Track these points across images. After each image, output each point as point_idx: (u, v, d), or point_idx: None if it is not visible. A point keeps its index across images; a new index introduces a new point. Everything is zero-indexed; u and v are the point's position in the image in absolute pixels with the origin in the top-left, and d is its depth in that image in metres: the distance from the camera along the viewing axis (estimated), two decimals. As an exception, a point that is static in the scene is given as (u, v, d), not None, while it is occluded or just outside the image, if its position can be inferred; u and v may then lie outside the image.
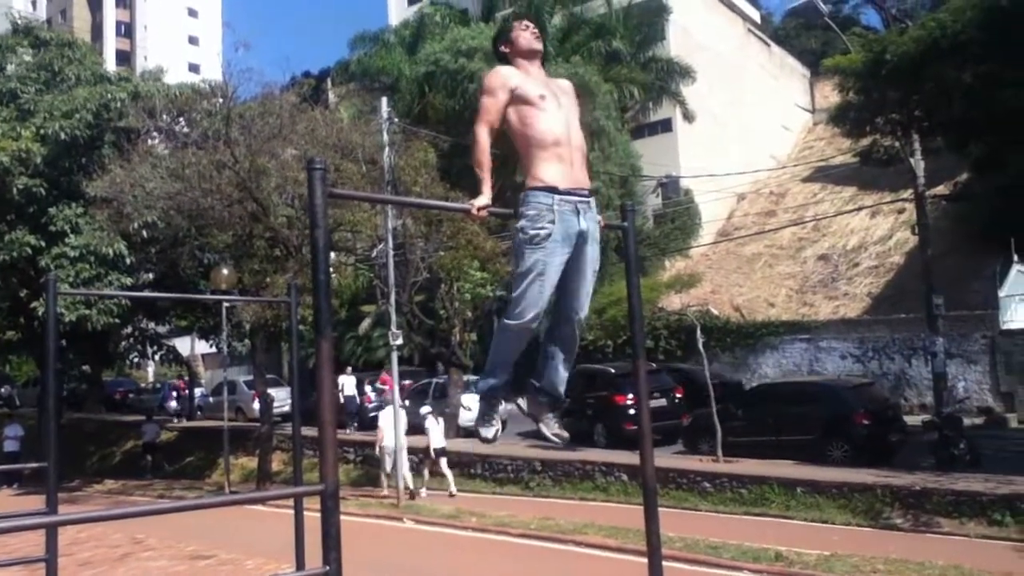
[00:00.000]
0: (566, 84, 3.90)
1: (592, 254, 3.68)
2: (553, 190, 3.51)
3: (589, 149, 21.69)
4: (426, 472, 17.53)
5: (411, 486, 16.83)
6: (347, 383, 24.11)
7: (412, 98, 29.01)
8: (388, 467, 17.14)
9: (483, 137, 3.60)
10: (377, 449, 17.65)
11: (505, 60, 3.84)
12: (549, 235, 3.48)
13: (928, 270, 19.68)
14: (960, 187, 27.08)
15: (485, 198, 3.49)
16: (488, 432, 3.84)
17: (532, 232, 3.48)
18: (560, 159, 3.56)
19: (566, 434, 3.94)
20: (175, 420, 30.11)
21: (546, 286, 3.52)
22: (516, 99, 3.63)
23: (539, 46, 3.82)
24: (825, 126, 39.06)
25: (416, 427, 19.05)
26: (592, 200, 3.68)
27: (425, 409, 18.25)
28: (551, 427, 3.90)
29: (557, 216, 3.49)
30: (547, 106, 3.61)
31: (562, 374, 3.85)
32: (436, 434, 17.03)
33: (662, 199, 35.43)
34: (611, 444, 18.35)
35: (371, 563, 9.94)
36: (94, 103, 22.07)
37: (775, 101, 43.81)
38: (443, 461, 17.02)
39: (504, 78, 3.67)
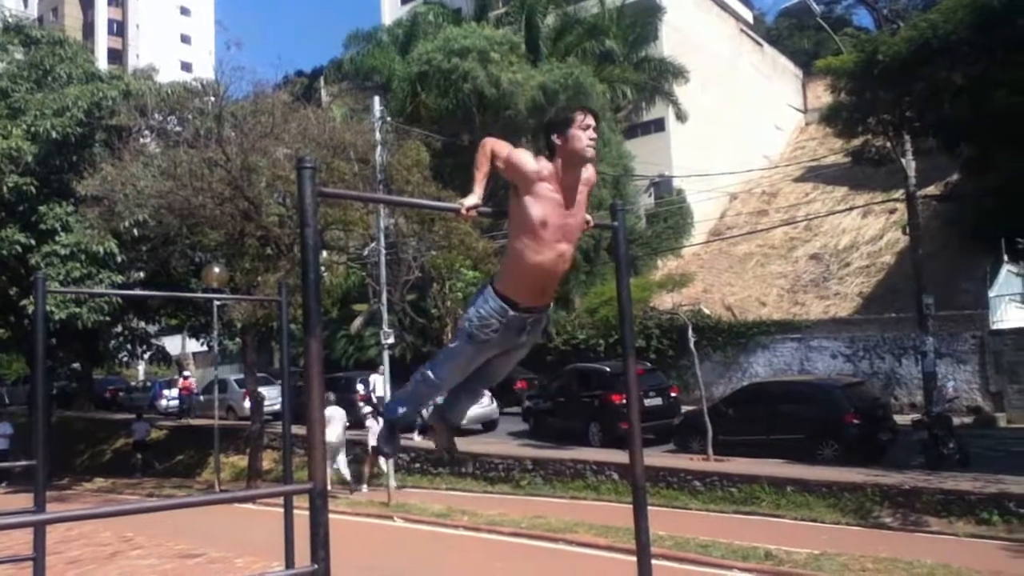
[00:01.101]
0: (586, 177, 3.69)
1: (520, 353, 3.88)
2: (512, 305, 3.58)
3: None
4: (366, 469, 18.21)
5: (348, 479, 17.69)
6: (379, 383, 22.03)
7: (405, 97, 29.01)
8: (338, 463, 17.68)
9: (486, 152, 3.55)
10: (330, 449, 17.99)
11: (552, 150, 3.59)
12: (486, 341, 3.62)
13: (919, 270, 19.76)
14: (951, 188, 27.21)
15: (475, 198, 3.52)
16: (391, 449, 4.21)
17: (474, 331, 3.61)
18: (532, 285, 3.60)
19: (455, 454, 4.37)
20: (180, 420, 29.68)
21: (469, 368, 3.78)
22: (522, 199, 3.49)
23: (592, 154, 3.58)
24: (817, 126, 39.22)
25: (409, 425, 18.97)
26: (543, 315, 3.76)
27: (366, 409, 19.52)
28: (441, 442, 4.25)
29: (503, 328, 3.60)
30: (546, 236, 3.50)
31: (463, 412, 4.22)
32: (375, 433, 17.22)
33: (654, 198, 35.51)
34: (606, 443, 18.35)
35: (361, 562, 9.95)
36: (85, 101, 21.98)
37: (767, 101, 43.94)
38: (381, 460, 17.35)
39: (527, 171, 3.48)
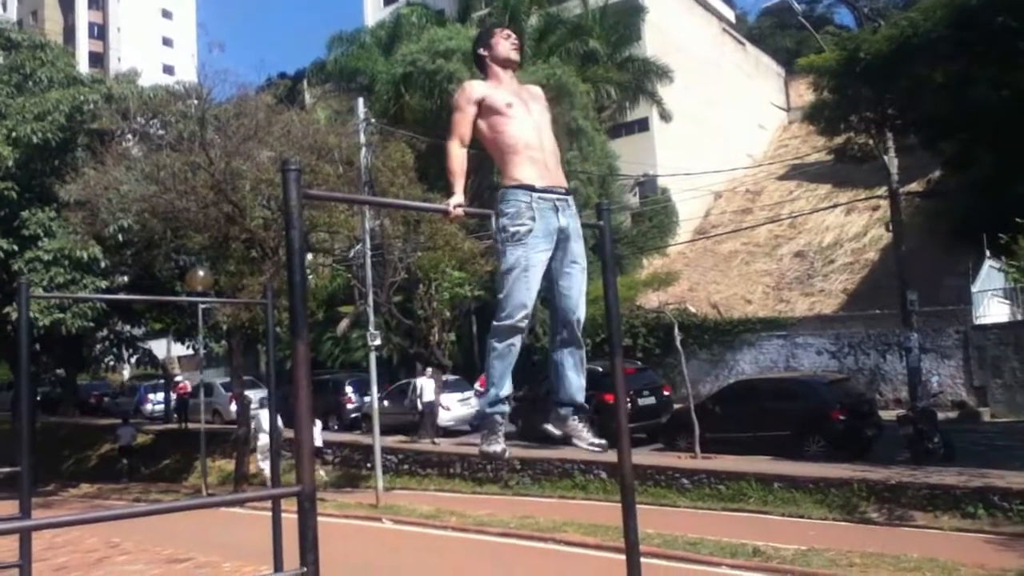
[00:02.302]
0: (536, 90, 3.94)
1: (577, 250, 3.68)
2: (531, 188, 3.55)
3: (567, 149, 21.68)
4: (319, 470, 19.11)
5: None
6: (426, 387, 20.56)
7: (389, 99, 28.93)
8: (261, 463, 18.94)
9: (454, 151, 3.66)
10: (252, 444, 19.49)
11: (481, 63, 3.89)
12: (530, 231, 3.50)
13: (902, 266, 19.89)
14: (933, 184, 27.42)
15: (459, 197, 3.53)
16: (496, 447, 3.70)
17: (513, 229, 3.50)
18: (533, 161, 3.60)
19: (603, 440, 3.85)
20: (181, 424, 29.15)
21: (532, 282, 3.51)
22: (484, 110, 3.67)
23: (516, 57, 3.85)
24: (800, 124, 39.43)
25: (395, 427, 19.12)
26: (571, 199, 3.70)
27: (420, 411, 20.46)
28: (585, 438, 3.84)
29: (537, 213, 3.52)
30: (515, 112, 3.65)
31: (577, 381, 3.80)
32: (317, 436, 18.09)
33: (639, 198, 35.57)
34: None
35: (350, 564, 9.93)
36: (67, 105, 21.81)
37: (750, 100, 44.11)
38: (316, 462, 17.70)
39: (470, 92, 3.72)
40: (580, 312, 3.75)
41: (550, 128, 3.80)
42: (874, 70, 18.11)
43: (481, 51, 3.86)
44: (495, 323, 3.57)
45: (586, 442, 3.83)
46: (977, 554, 10.20)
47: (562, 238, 3.61)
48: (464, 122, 3.68)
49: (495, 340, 3.58)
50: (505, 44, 3.82)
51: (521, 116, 3.66)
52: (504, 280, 3.53)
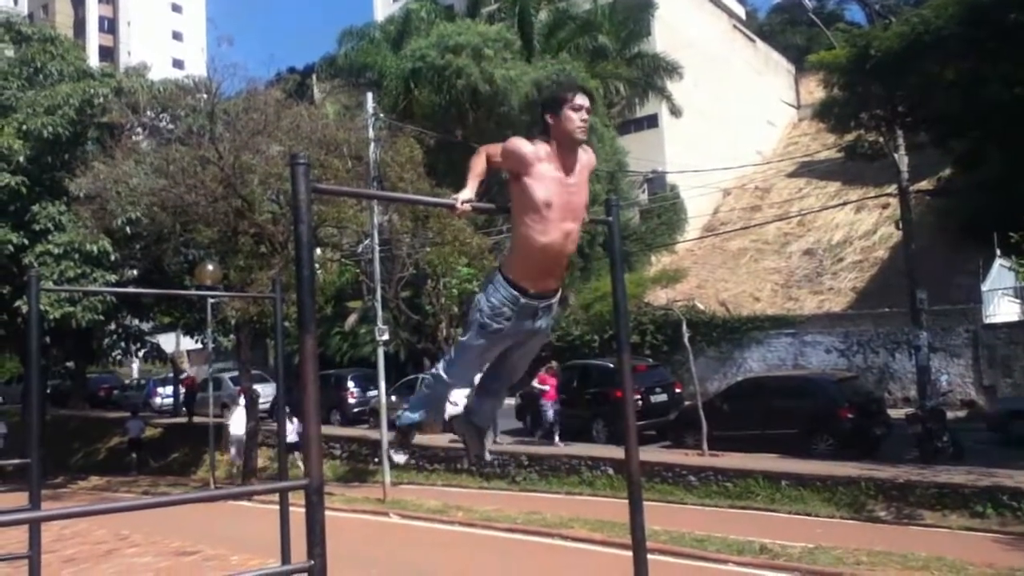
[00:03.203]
0: (586, 160, 3.71)
1: (536, 342, 3.82)
2: (522, 291, 3.56)
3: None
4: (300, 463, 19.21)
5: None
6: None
7: (398, 94, 28.96)
8: (233, 454, 20.06)
9: (479, 160, 3.63)
10: (223, 436, 20.58)
11: (544, 128, 3.61)
12: (500, 330, 3.58)
13: (912, 265, 19.80)
14: (943, 182, 27.27)
15: (469, 192, 3.52)
16: (400, 458, 4.28)
17: (486, 320, 3.57)
18: (540, 268, 3.58)
19: (488, 456, 4.43)
20: (190, 418, 29.26)
21: (484, 362, 3.74)
22: (523, 184, 3.51)
23: (582, 137, 3.62)
24: (810, 121, 39.28)
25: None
26: (555, 300, 3.72)
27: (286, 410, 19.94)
28: (481, 450, 4.16)
29: (515, 315, 3.57)
30: (551, 216, 3.49)
31: (490, 414, 4.12)
32: (291, 431, 18.51)
33: (648, 194, 35.52)
34: (611, 439, 18.24)
35: (357, 558, 9.96)
36: (77, 99, 21.87)
37: (760, 97, 43.96)
38: (296, 454, 18.24)
39: (523, 156, 3.50)
40: (515, 377, 4.01)
41: (583, 208, 3.66)
42: (885, 67, 18.02)
43: (548, 119, 3.59)
44: (441, 372, 3.76)
45: (476, 452, 4.17)
46: (986, 553, 10.17)
47: (528, 335, 3.72)
48: (510, 145, 3.57)
49: (436, 383, 3.80)
50: (574, 120, 3.55)
51: (556, 220, 3.50)
52: (460, 348, 3.71)
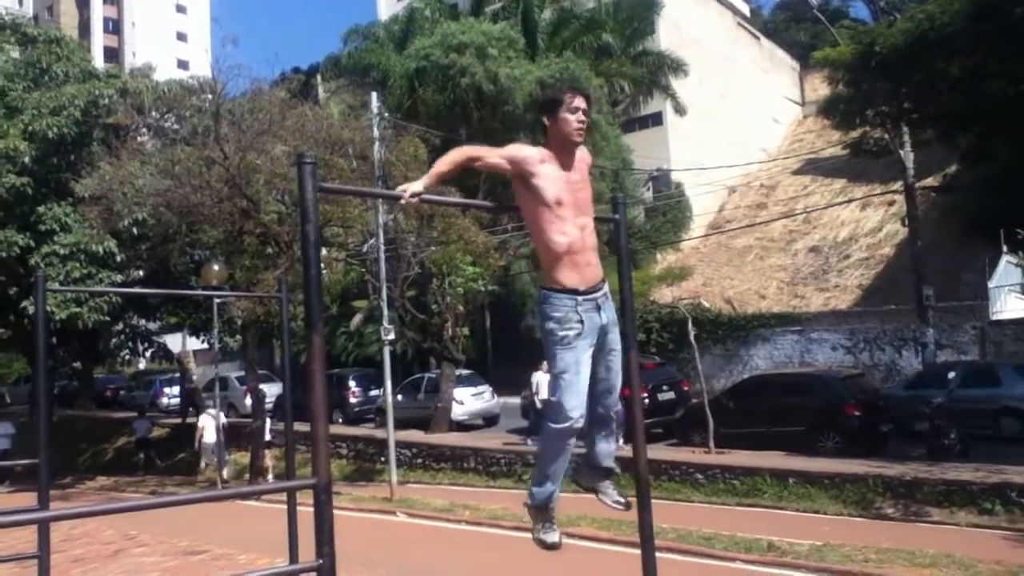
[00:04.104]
0: (584, 158, 3.76)
1: (614, 339, 3.78)
2: (575, 292, 3.58)
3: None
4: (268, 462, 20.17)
5: (225, 476, 19.87)
6: (543, 383, 18.24)
7: (402, 93, 28.94)
8: (206, 459, 20.67)
9: (457, 156, 3.56)
10: (196, 443, 20.92)
11: (543, 129, 3.69)
12: (579, 334, 3.57)
13: (918, 261, 19.78)
14: (949, 179, 27.20)
15: (419, 185, 3.42)
16: (553, 536, 3.98)
17: (562, 333, 3.56)
18: (576, 264, 3.59)
19: (626, 500, 4.04)
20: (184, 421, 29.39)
21: (583, 382, 3.61)
22: (531, 188, 3.56)
23: (580, 139, 3.66)
24: (815, 119, 39.24)
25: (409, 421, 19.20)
26: (606, 289, 3.73)
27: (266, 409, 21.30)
28: (610, 495, 4.07)
29: (583, 315, 3.58)
30: (565, 213, 3.56)
31: (607, 449, 4.01)
32: (267, 432, 20.05)
33: (653, 192, 35.49)
34: (619, 438, 18.20)
35: (364, 557, 9.97)
36: (82, 100, 21.92)
37: (765, 94, 43.90)
38: (267, 452, 20.04)
39: (520, 160, 3.56)
40: (616, 394, 3.89)
41: (591, 203, 3.73)
42: (890, 64, 17.98)
43: (545, 120, 3.65)
44: (553, 425, 3.63)
45: (611, 499, 4.06)
46: (994, 550, 10.14)
47: (602, 332, 3.69)
48: (489, 160, 3.58)
49: (557, 442, 3.68)
50: (571, 121, 3.60)
51: (570, 216, 3.57)
52: (557, 383, 3.62)
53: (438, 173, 3.51)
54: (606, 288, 3.73)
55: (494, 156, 3.59)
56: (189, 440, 25.47)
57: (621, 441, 17.02)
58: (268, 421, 20.48)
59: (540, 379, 18.07)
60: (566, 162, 3.62)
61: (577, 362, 3.57)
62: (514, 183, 3.62)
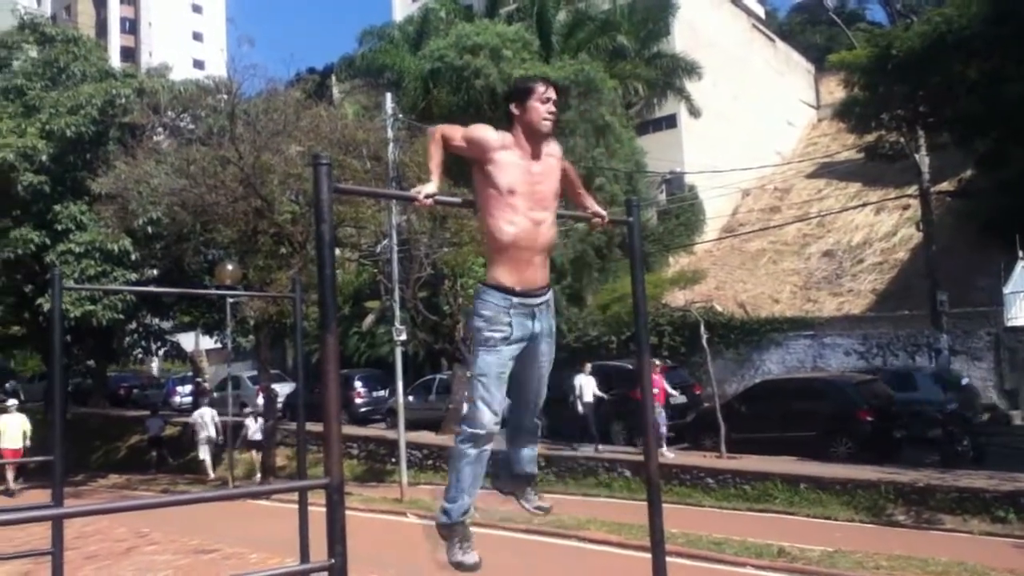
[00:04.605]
0: (554, 151, 3.63)
1: (544, 349, 3.61)
2: (510, 292, 3.42)
3: (594, 146, 21.39)
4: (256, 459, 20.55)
5: (211, 473, 20.94)
6: (586, 386, 17.83)
7: (417, 94, 28.99)
8: (203, 454, 21.31)
9: (435, 141, 3.54)
10: (199, 440, 21.56)
11: (509, 117, 3.56)
12: (505, 338, 3.41)
13: (932, 266, 19.67)
14: (965, 183, 27.04)
15: (433, 186, 3.42)
16: (472, 557, 3.70)
17: (488, 334, 3.41)
18: (518, 262, 3.43)
19: (547, 504, 3.99)
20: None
21: (502, 389, 3.45)
22: (487, 171, 3.43)
23: (547, 130, 3.52)
24: (830, 122, 39.12)
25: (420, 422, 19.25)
26: (548, 297, 3.57)
27: (248, 409, 21.78)
28: (531, 501, 3.99)
29: (512, 319, 3.42)
30: (517, 203, 3.39)
31: (529, 454, 3.88)
32: (253, 429, 20.28)
33: (666, 195, 35.42)
34: (631, 441, 18.11)
35: (375, 557, 9.98)
36: (99, 99, 22.08)
37: (780, 97, 43.76)
38: (253, 452, 20.48)
39: (480, 140, 3.47)
40: (539, 401, 3.75)
41: (552, 199, 3.55)
42: (906, 67, 17.88)
43: (513, 109, 3.53)
44: (467, 428, 3.44)
45: (532, 505, 4.00)
46: (1007, 559, 10.08)
47: (533, 342, 3.53)
48: (453, 143, 3.51)
49: (469, 447, 3.46)
50: (540, 111, 3.48)
51: (522, 207, 3.40)
52: (475, 385, 3.43)
53: (436, 165, 3.49)
54: (548, 296, 3.57)
55: (458, 138, 3.50)
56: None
57: (664, 449, 16.43)
58: (258, 420, 20.58)
59: (583, 381, 17.76)
60: (531, 152, 3.49)
61: (499, 366, 3.42)
62: (473, 168, 3.50)
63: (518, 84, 3.70)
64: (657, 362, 17.61)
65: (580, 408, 17.54)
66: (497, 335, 3.41)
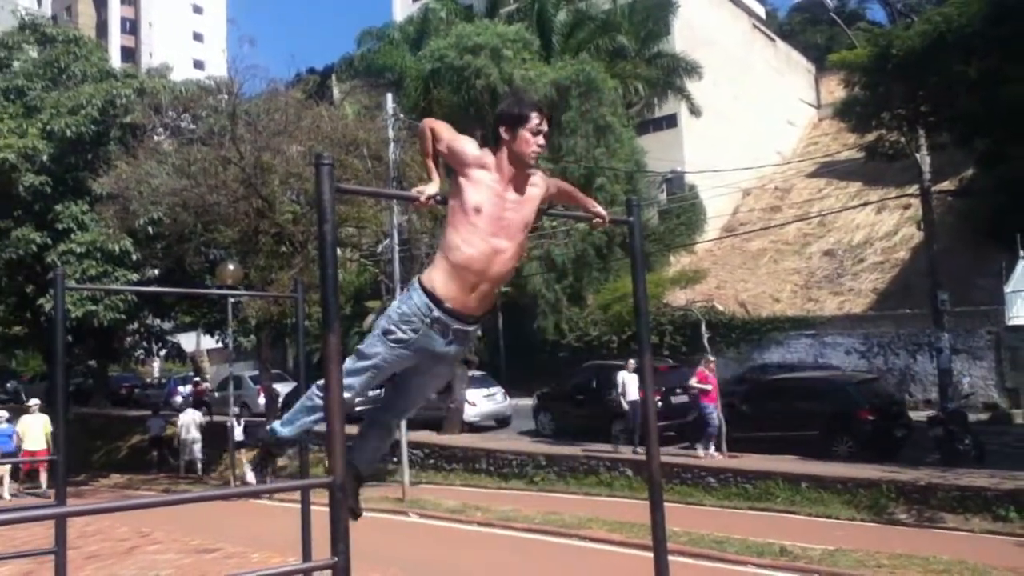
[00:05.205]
0: (536, 182, 3.45)
1: (442, 371, 3.53)
2: (437, 303, 3.23)
3: (595, 145, 21.39)
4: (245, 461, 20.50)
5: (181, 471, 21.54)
6: (630, 384, 16.85)
7: (417, 94, 29.03)
8: (187, 455, 21.79)
9: (426, 137, 3.46)
10: (176, 441, 22.18)
11: (496, 138, 3.38)
12: (404, 342, 3.24)
13: (933, 266, 19.63)
14: (966, 183, 27.04)
15: (434, 186, 3.37)
16: (254, 478, 3.65)
17: (391, 327, 3.25)
18: (462, 281, 3.25)
19: (359, 510, 3.56)
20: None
21: (373, 382, 3.32)
22: (458, 184, 3.32)
23: (532, 162, 3.38)
24: (830, 121, 39.13)
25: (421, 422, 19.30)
26: (472, 330, 3.37)
27: (234, 411, 21.73)
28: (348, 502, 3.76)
29: (423, 329, 3.24)
30: (479, 223, 3.24)
31: (373, 457, 3.66)
32: (237, 431, 20.47)
33: (667, 194, 35.43)
34: (631, 440, 18.05)
35: (376, 556, 9.98)
36: (100, 100, 22.12)
37: (780, 96, 43.78)
38: (242, 451, 20.50)
39: (465, 158, 3.32)
40: (409, 410, 3.69)
41: (521, 230, 3.37)
42: (907, 66, 17.86)
43: (502, 132, 3.35)
44: (320, 383, 3.25)
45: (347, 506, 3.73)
46: (1008, 557, 10.08)
47: (433, 361, 3.38)
48: (456, 143, 3.38)
49: (317, 400, 3.31)
50: (530, 142, 3.32)
51: (484, 230, 3.25)
52: (356, 358, 3.28)
53: (429, 157, 3.44)
54: (473, 328, 3.36)
55: (442, 142, 3.39)
56: (203, 438, 25.62)
57: (712, 449, 16.06)
58: (241, 423, 20.83)
59: (627, 378, 17.03)
60: (513, 178, 3.34)
61: (383, 361, 3.25)
62: (452, 173, 3.39)
63: (512, 110, 3.41)
64: (712, 358, 17.39)
65: (625, 405, 16.93)
66: (399, 334, 3.25)
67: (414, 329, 3.23)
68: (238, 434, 20.55)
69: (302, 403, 3.38)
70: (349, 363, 3.23)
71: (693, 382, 16.34)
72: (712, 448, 16.08)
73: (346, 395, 3.12)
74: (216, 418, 26.26)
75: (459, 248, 3.24)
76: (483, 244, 3.24)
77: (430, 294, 3.24)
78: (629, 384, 16.91)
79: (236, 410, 22.06)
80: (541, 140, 3.36)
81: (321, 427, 3.11)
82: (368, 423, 3.65)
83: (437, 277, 3.27)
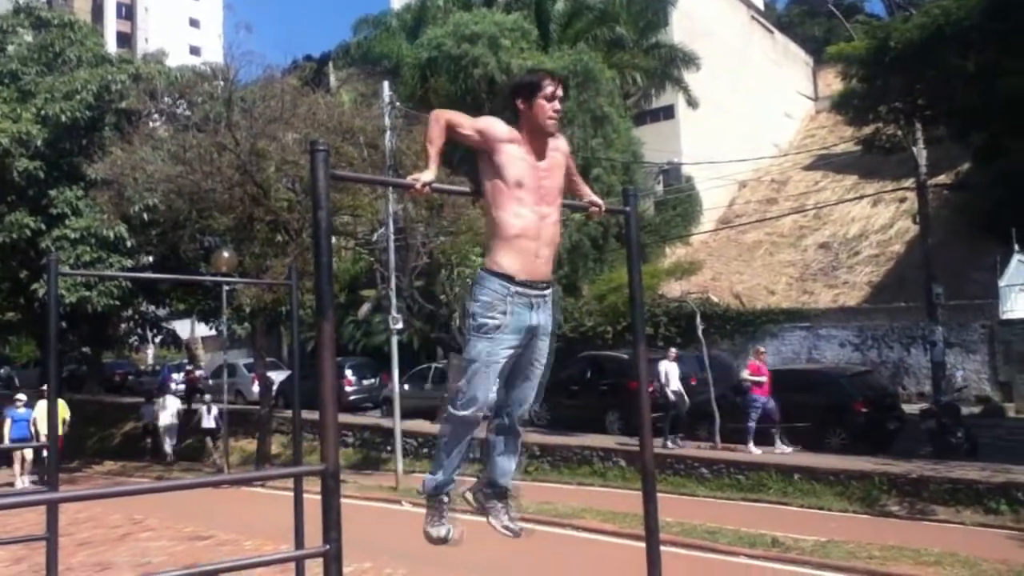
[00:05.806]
0: (561, 148, 3.60)
1: (542, 347, 3.57)
2: (510, 279, 3.37)
3: (592, 136, 21.31)
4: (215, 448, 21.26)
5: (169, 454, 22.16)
6: (672, 372, 16.76)
7: (414, 82, 28.90)
8: (167, 445, 22.38)
9: (439, 125, 3.47)
10: (160, 429, 22.62)
11: (514, 111, 3.51)
12: (499, 326, 3.36)
13: (928, 259, 19.65)
14: (962, 176, 27.09)
15: (431, 174, 3.39)
16: (440, 531, 3.72)
17: (482, 320, 3.36)
18: (522, 251, 3.39)
19: (516, 527, 3.83)
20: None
21: (492, 378, 3.39)
22: (494, 161, 3.41)
23: (553, 130, 3.50)
24: (827, 114, 39.07)
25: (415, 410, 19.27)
26: (549, 293, 3.52)
27: (208, 398, 22.33)
28: (500, 520, 3.82)
29: (510, 307, 3.37)
30: (523, 196, 3.38)
31: (506, 466, 3.76)
32: (207, 419, 21.14)
33: (663, 186, 35.40)
34: (625, 431, 18.08)
35: (368, 544, 9.99)
36: (95, 85, 21.98)
37: (778, 88, 43.72)
38: (208, 440, 21.50)
39: (488, 131, 3.43)
40: (527, 405, 3.68)
41: (558, 194, 3.54)
42: (905, 59, 17.87)
43: (519, 104, 3.48)
44: (453, 411, 3.45)
45: (500, 524, 3.85)
46: (999, 550, 10.12)
47: (530, 336, 3.47)
48: (461, 131, 3.46)
49: (456, 429, 3.49)
50: (546, 109, 3.43)
51: (528, 201, 3.39)
52: (466, 370, 3.42)
53: (436, 151, 3.43)
54: (550, 292, 3.51)
55: (467, 127, 3.46)
56: (197, 425, 25.64)
57: (750, 445, 15.84)
58: (213, 409, 21.04)
59: (668, 368, 16.73)
60: (536, 148, 3.46)
61: (490, 354, 3.37)
62: (480, 158, 3.46)
63: (525, 79, 3.60)
64: (763, 349, 17.33)
65: (670, 395, 16.58)
66: (492, 322, 3.36)
67: (501, 311, 3.37)
68: (207, 421, 21.02)
69: (445, 435, 3.55)
70: (464, 375, 3.42)
71: (746, 374, 16.09)
72: (751, 443, 15.62)
73: (472, 410, 3.40)
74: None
75: (511, 223, 3.38)
76: (531, 214, 3.39)
77: (500, 274, 3.39)
78: (671, 373, 16.69)
79: (208, 397, 22.30)
80: (557, 105, 3.47)
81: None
82: (496, 431, 3.71)
83: (500, 258, 3.41)
